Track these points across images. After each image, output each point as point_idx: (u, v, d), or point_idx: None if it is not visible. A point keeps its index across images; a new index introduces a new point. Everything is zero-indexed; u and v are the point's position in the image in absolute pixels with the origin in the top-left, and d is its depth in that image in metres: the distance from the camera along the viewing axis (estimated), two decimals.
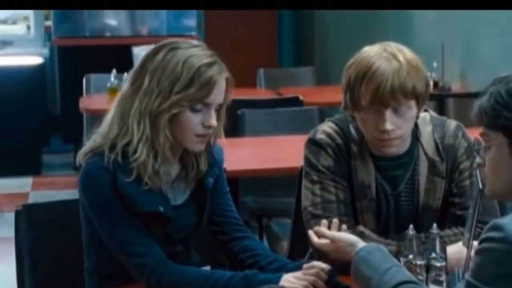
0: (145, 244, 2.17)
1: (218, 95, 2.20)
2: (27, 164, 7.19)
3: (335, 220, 2.25)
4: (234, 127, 4.59)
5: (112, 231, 2.18)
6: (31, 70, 7.37)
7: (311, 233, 2.22)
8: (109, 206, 2.17)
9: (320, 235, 2.20)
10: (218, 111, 2.24)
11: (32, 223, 2.49)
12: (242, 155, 3.98)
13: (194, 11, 7.98)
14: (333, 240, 2.17)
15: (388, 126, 2.30)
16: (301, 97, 5.05)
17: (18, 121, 7.23)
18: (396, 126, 2.31)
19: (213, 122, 2.20)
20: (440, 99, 4.95)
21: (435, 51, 5.67)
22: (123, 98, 2.23)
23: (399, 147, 2.38)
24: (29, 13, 7.87)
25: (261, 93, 6.17)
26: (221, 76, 2.20)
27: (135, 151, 2.17)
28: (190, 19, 7.99)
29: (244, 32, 8.94)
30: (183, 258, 2.29)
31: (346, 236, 2.17)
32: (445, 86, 5.58)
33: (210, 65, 2.18)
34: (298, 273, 2.17)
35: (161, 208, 2.19)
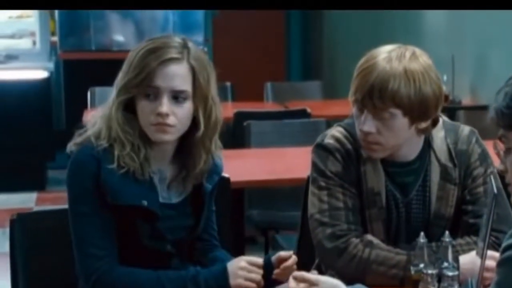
0: (103, 248, 2.14)
1: (166, 80, 2.12)
2: (31, 179, 7.13)
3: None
4: (239, 138, 4.54)
5: (77, 225, 2.16)
6: (37, 84, 7.32)
7: (290, 279, 2.06)
8: (85, 199, 2.14)
9: (299, 279, 2.04)
10: (196, 106, 2.15)
11: (28, 233, 2.43)
12: (247, 166, 3.93)
13: (202, 25, 7.93)
14: (315, 283, 2.01)
15: (365, 127, 2.22)
16: (308, 110, 4.97)
17: (23, 136, 7.17)
18: (377, 131, 2.22)
19: (162, 109, 2.11)
20: (450, 112, 4.86)
21: (446, 64, 5.58)
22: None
23: (383, 154, 2.28)
24: (35, 28, 7.84)
25: (268, 106, 6.12)
26: (169, 57, 2.12)
27: (98, 138, 2.16)
28: (198, 34, 7.94)
29: (252, 46, 8.92)
30: (175, 262, 2.24)
31: (327, 279, 2.03)
32: (456, 100, 5.50)
33: (161, 48, 2.13)
34: (242, 261, 2.14)
35: (145, 202, 2.14)
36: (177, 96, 2.13)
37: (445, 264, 2.01)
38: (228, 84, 6.37)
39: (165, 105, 2.11)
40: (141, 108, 2.15)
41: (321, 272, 2.19)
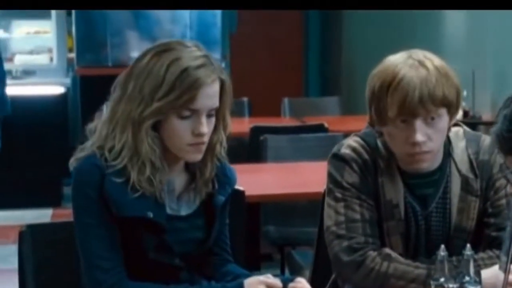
0: (110, 259, 2.07)
1: (206, 100, 2.05)
2: (47, 195, 7.10)
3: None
4: (255, 153, 4.49)
5: (82, 237, 2.10)
6: (53, 100, 7.32)
7: None
8: (89, 210, 2.07)
9: None
10: (217, 117, 2.10)
11: (37, 245, 2.38)
12: (263, 180, 3.90)
13: (219, 42, 7.91)
14: None
15: (419, 137, 2.14)
16: (326, 124, 4.91)
17: (39, 151, 7.14)
18: (428, 137, 2.16)
19: (203, 129, 2.05)
20: (471, 128, 4.77)
21: (466, 80, 5.51)
22: (112, 102, 2.12)
23: (431, 163, 2.22)
24: (53, 44, 7.84)
25: (285, 121, 6.07)
26: (209, 78, 2.04)
27: (115, 159, 2.06)
28: (215, 50, 7.91)
29: (269, 62, 8.90)
30: (184, 276, 2.15)
31: None
32: (476, 115, 5.43)
33: (196, 67, 2.04)
34: (261, 285, 2.04)
35: (150, 214, 2.06)
36: (209, 113, 2.08)
37: (467, 278, 1.92)
38: (245, 99, 6.34)
39: (205, 124, 2.05)
40: (174, 128, 2.05)
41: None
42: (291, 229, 4.31)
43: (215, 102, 2.07)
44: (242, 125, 5.37)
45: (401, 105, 2.13)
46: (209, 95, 2.05)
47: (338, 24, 8.70)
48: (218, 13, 7.93)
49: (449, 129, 2.26)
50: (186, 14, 7.70)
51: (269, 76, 8.76)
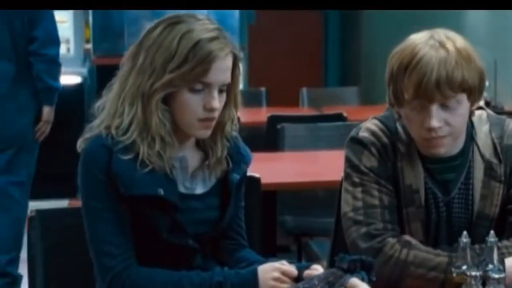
0: (119, 245, 2.01)
1: (219, 74, 1.99)
2: (63, 186, 7.07)
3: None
4: (272, 142, 4.43)
5: (90, 222, 2.04)
6: (70, 90, 7.27)
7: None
8: (97, 193, 2.01)
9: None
10: (227, 92, 2.05)
11: (46, 230, 2.33)
12: (280, 168, 3.83)
13: (237, 32, 7.85)
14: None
15: (435, 123, 2.05)
16: (344, 114, 4.83)
17: (55, 141, 7.11)
18: (445, 122, 2.07)
19: (215, 104, 2.00)
20: None
21: (488, 70, 5.41)
22: (121, 77, 2.05)
23: (450, 147, 2.13)
24: (70, 34, 7.80)
25: (303, 111, 6.01)
26: (222, 52, 1.98)
27: (124, 133, 2.00)
28: (233, 41, 7.86)
29: (288, 53, 8.84)
30: (198, 259, 2.09)
31: None
32: (498, 106, 5.34)
33: (209, 40, 1.97)
34: (276, 272, 1.97)
35: (161, 191, 2.00)
36: (221, 89, 2.02)
37: (490, 266, 1.83)
38: (262, 89, 6.28)
39: (217, 99, 2.00)
40: (185, 102, 2.00)
41: None
42: (309, 219, 4.25)
43: (228, 77, 2.02)
44: (259, 115, 5.31)
45: (417, 87, 2.05)
46: (222, 69, 1.99)
47: (358, 14, 8.63)
48: None
49: (472, 113, 2.16)
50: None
51: (288, 67, 8.71)
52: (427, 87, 2.04)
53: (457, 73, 2.04)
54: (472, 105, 2.12)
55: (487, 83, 5.49)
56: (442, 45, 2.07)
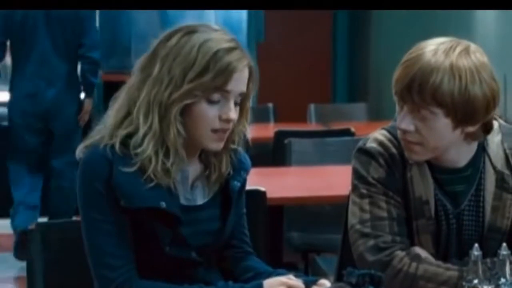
0: (119, 257, 1.96)
1: (238, 84, 1.95)
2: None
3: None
4: (279, 157, 4.40)
5: (90, 233, 1.99)
6: None
7: None
8: (97, 204, 1.96)
9: None
10: (241, 105, 2.00)
11: (47, 244, 2.29)
12: (286, 183, 3.81)
13: (245, 48, 7.84)
14: None
15: (402, 124, 2.03)
16: (352, 129, 4.78)
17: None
18: (415, 129, 2.02)
19: (232, 115, 1.96)
20: None
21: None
22: (130, 87, 2.00)
23: (423, 157, 2.07)
24: None
25: (311, 127, 5.98)
26: (241, 63, 1.95)
27: (140, 145, 1.94)
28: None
29: (296, 69, 8.83)
30: (201, 271, 2.04)
31: None
32: (508, 121, 5.27)
33: (229, 50, 1.94)
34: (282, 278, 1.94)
35: (163, 204, 1.94)
36: (236, 101, 1.98)
37: (503, 280, 1.78)
38: (270, 105, 6.25)
39: (233, 110, 1.97)
40: (202, 113, 1.95)
41: None
42: (316, 235, 4.20)
43: (244, 88, 1.98)
44: (266, 131, 5.28)
45: (395, 82, 2.03)
46: (241, 80, 1.96)
47: (366, 30, 8.61)
48: (244, 20, 7.87)
49: (470, 137, 2.07)
50: (211, 21, 7.65)
51: (296, 83, 8.69)
52: (401, 85, 2.01)
53: (436, 85, 1.97)
54: (457, 126, 2.03)
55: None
56: (446, 54, 2.01)
